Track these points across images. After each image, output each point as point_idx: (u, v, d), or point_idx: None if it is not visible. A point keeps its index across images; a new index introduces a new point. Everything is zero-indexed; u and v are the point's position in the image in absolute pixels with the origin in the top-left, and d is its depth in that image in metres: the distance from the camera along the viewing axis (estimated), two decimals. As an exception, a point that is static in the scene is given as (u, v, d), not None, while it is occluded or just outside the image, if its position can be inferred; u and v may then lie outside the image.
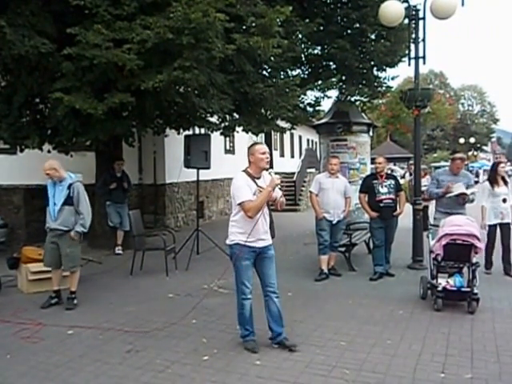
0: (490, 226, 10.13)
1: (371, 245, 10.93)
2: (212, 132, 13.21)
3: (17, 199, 16.05)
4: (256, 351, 6.03)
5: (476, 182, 10.66)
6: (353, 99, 15.73)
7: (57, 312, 7.98)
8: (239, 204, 5.92)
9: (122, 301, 8.57)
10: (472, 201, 9.40)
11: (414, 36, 11.12)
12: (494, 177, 10.24)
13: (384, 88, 15.91)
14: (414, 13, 11.00)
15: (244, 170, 6.14)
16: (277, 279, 6.31)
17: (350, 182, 10.86)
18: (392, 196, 9.83)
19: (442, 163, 45.66)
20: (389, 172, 10.29)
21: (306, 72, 15.45)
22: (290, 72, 14.63)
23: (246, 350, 6.09)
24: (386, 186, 9.86)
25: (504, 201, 10.02)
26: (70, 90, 9.78)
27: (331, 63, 15.07)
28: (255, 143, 6.43)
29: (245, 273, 6.08)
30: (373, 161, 11.91)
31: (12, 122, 11.26)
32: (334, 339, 6.54)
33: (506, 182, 10.23)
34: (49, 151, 12.43)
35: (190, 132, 14.41)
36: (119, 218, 12.86)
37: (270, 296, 6.21)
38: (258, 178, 6.07)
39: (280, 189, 6.18)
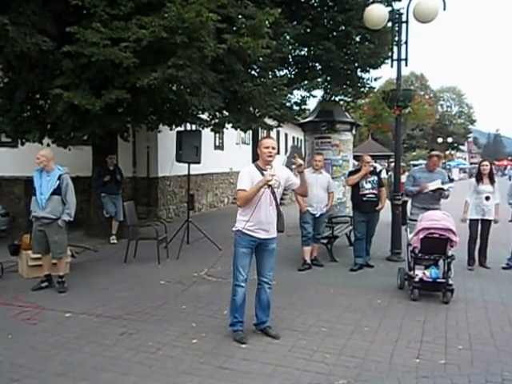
0: (471, 220, 10.12)
1: (352, 237, 11.01)
2: (203, 128, 13.20)
3: (18, 190, 16.00)
4: (244, 342, 5.92)
5: (450, 180, 10.70)
6: (337, 99, 15.75)
7: (55, 296, 8.00)
8: (237, 191, 5.99)
9: (117, 287, 8.60)
10: (447, 197, 9.50)
11: (396, 39, 11.17)
12: (478, 174, 10.23)
13: (367, 88, 15.89)
14: (397, 16, 11.06)
15: (254, 162, 6.21)
16: (274, 271, 6.31)
17: (332, 178, 10.91)
18: (375, 191, 9.89)
19: (421, 161, 45.78)
20: (372, 169, 10.34)
21: (293, 72, 15.42)
22: (277, 72, 14.61)
23: (234, 341, 5.97)
24: (369, 182, 9.91)
25: (487, 198, 9.97)
26: (69, 87, 9.80)
27: (317, 64, 15.04)
28: (263, 137, 6.48)
29: (241, 260, 6.01)
30: (356, 158, 11.95)
31: (14, 116, 11.26)
32: (315, 325, 6.60)
33: (492, 181, 10.16)
34: (48, 145, 12.37)
35: (182, 128, 14.42)
36: (114, 207, 12.89)
37: (262, 285, 6.20)
38: (266, 171, 6.02)
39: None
